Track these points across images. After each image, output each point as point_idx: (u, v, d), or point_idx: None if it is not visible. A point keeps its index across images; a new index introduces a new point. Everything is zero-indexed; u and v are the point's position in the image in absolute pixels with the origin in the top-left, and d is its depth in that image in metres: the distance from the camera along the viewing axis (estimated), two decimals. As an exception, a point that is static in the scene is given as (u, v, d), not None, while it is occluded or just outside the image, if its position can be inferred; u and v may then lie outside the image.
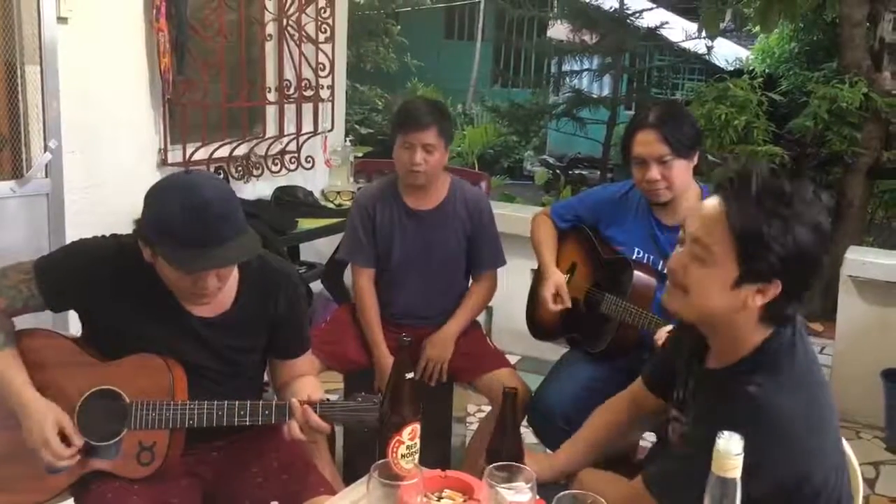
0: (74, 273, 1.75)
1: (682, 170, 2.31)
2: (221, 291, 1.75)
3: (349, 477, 2.22)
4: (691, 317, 1.46)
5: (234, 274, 1.80)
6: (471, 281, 2.79)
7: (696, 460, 1.12)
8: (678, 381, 1.58)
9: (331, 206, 4.12)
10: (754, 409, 1.34)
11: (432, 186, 2.66)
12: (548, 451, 2.77)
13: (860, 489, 1.61)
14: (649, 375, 1.78)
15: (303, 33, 4.04)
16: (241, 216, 1.68)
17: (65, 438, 1.70)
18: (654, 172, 2.29)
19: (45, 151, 2.92)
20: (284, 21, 3.96)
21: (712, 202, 1.38)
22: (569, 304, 2.50)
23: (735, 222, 1.34)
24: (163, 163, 3.53)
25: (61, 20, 2.95)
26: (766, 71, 9.88)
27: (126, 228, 1.72)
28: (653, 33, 9.28)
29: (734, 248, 1.34)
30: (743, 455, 1.08)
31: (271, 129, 4.09)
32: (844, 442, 1.55)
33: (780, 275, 1.33)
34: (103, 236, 1.82)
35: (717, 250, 1.36)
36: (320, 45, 4.15)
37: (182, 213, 1.59)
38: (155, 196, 1.65)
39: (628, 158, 2.38)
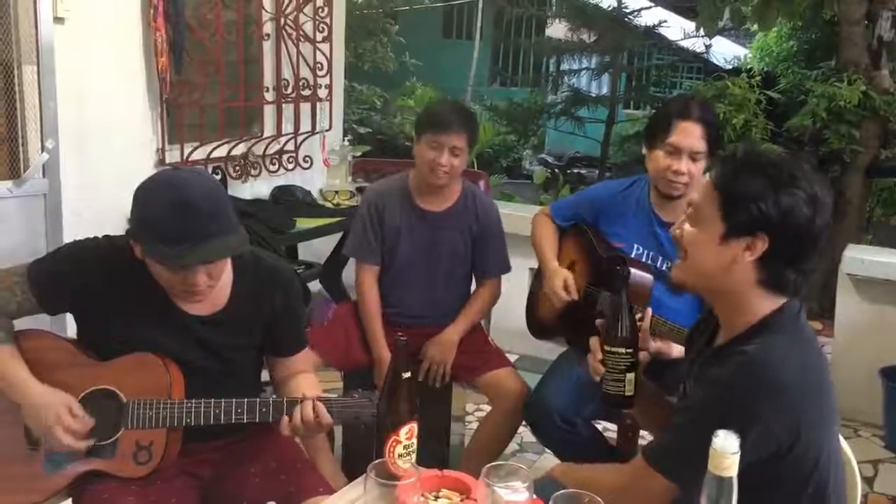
0: (68, 275, 1.75)
1: (702, 169, 2.34)
2: (214, 289, 1.75)
3: (347, 477, 2.22)
4: (691, 280, 1.50)
5: (229, 271, 1.80)
6: (473, 285, 2.80)
7: (695, 426, 1.11)
8: (685, 374, 1.59)
9: (329, 205, 4.12)
10: (749, 365, 1.36)
11: (447, 188, 2.67)
12: (546, 450, 2.78)
13: (858, 487, 1.61)
14: None
15: (300, 32, 4.04)
16: (229, 213, 1.67)
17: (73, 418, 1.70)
18: (684, 165, 2.31)
19: (42, 152, 2.92)
20: (282, 20, 3.96)
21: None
22: (576, 296, 2.49)
23: (717, 179, 1.44)
24: (160, 163, 3.52)
25: (58, 20, 2.95)
26: (765, 69, 9.87)
27: (123, 229, 1.72)
28: (651, 32, 9.26)
29: (718, 204, 1.42)
30: (735, 422, 1.08)
31: (269, 129, 4.08)
32: (842, 440, 1.56)
33: (766, 229, 1.39)
34: (96, 237, 1.82)
35: (706, 208, 1.44)
36: (318, 45, 4.15)
37: (168, 210, 1.59)
38: (142, 193, 1.66)
39: (654, 143, 2.36)
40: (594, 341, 1.62)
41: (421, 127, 2.63)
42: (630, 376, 1.57)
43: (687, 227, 1.48)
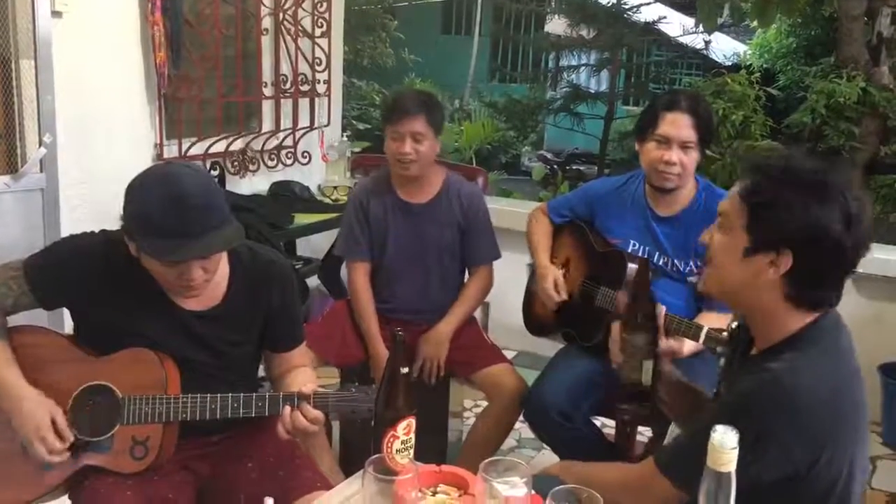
0: (63, 270, 1.75)
1: (694, 160, 2.33)
2: (209, 284, 1.74)
3: (345, 472, 2.22)
4: (716, 291, 1.48)
5: (224, 266, 1.80)
6: (466, 276, 2.79)
7: (710, 436, 1.10)
8: (721, 376, 1.59)
9: (327, 201, 4.11)
10: (772, 384, 1.32)
11: (425, 179, 2.66)
12: (545, 445, 2.78)
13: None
14: None
15: (299, 28, 4.03)
16: (222, 207, 1.67)
17: (57, 433, 1.70)
18: (674, 155, 2.31)
19: (39, 146, 2.91)
20: (280, 15, 3.95)
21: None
22: (565, 297, 2.50)
23: (745, 190, 1.38)
24: (158, 157, 3.52)
25: (56, 14, 2.94)
26: (764, 66, 9.89)
27: (120, 224, 1.71)
28: (650, 28, 9.24)
29: (744, 215, 1.37)
30: (743, 435, 1.07)
31: (267, 124, 4.08)
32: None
33: (789, 245, 1.33)
34: (92, 232, 1.82)
35: (732, 217, 1.40)
36: (316, 40, 4.14)
37: (160, 205, 1.59)
38: (134, 189, 1.65)
39: (645, 136, 2.37)
40: (615, 328, 1.62)
41: (383, 119, 2.64)
42: (648, 365, 1.57)
43: (716, 234, 1.44)
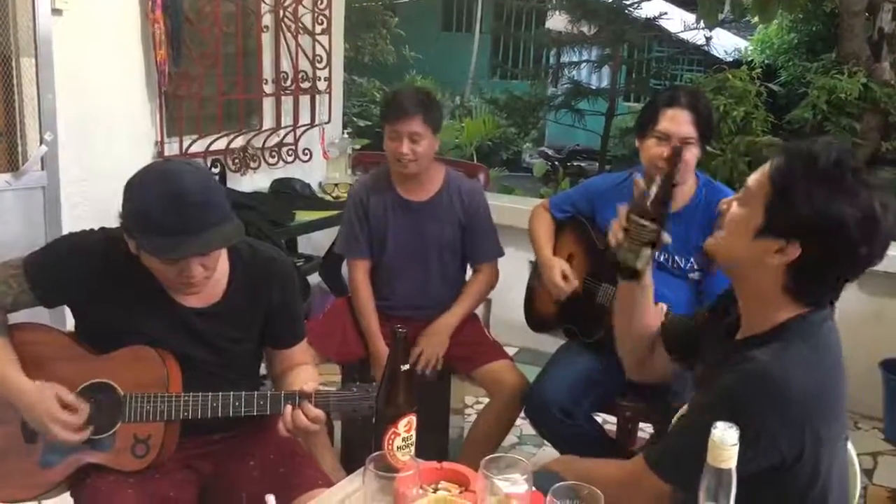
0: (63, 267, 1.74)
1: (694, 156, 2.33)
2: (210, 281, 1.74)
3: (346, 470, 2.23)
4: (718, 256, 1.47)
5: (225, 263, 1.80)
6: (468, 273, 2.79)
7: (698, 431, 1.09)
8: (702, 356, 1.56)
9: (328, 198, 4.11)
10: (759, 376, 1.31)
11: (425, 177, 2.66)
12: (546, 442, 2.78)
13: (858, 479, 1.61)
14: (665, 326, 1.73)
15: (299, 24, 4.02)
16: (222, 203, 1.67)
17: (67, 411, 1.70)
18: None
19: (40, 144, 2.92)
20: (281, 12, 3.95)
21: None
22: (576, 283, 2.49)
23: (775, 169, 1.36)
24: (159, 155, 3.52)
25: (56, 12, 2.95)
26: (765, 62, 9.87)
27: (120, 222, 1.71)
28: (651, 24, 9.23)
29: (766, 194, 1.35)
30: (742, 432, 1.07)
31: (268, 122, 4.08)
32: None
33: (801, 237, 1.31)
34: (92, 230, 1.81)
35: (755, 192, 1.37)
36: (317, 37, 4.14)
37: (159, 202, 1.59)
38: (134, 186, 1.65)
39: (645, 133, 2.36)
40: (623, 209, 1.56)
41: (382, 118, 2.64)
42: (647, 252, 1.54)
43: (735, 205, 1.43)
